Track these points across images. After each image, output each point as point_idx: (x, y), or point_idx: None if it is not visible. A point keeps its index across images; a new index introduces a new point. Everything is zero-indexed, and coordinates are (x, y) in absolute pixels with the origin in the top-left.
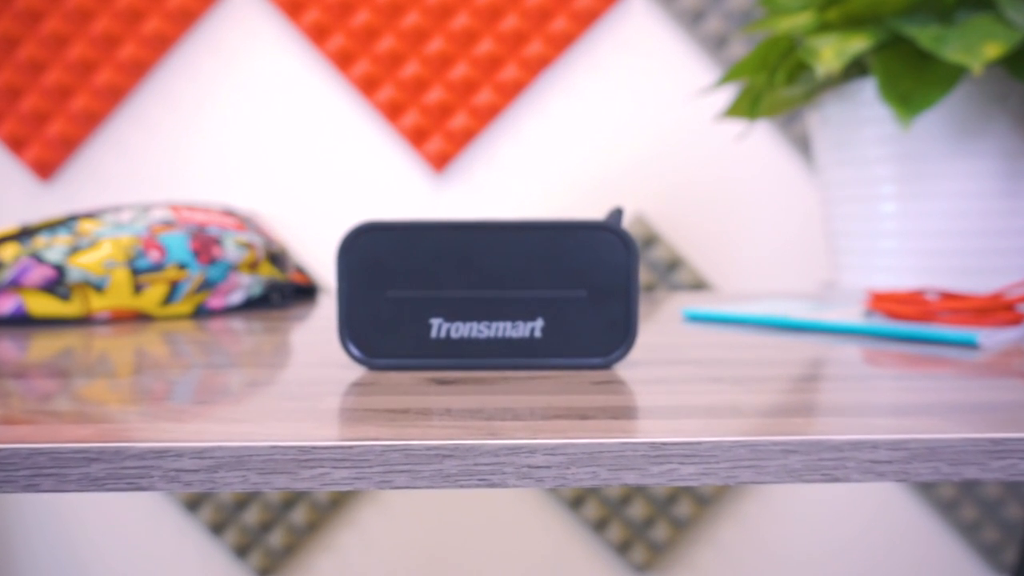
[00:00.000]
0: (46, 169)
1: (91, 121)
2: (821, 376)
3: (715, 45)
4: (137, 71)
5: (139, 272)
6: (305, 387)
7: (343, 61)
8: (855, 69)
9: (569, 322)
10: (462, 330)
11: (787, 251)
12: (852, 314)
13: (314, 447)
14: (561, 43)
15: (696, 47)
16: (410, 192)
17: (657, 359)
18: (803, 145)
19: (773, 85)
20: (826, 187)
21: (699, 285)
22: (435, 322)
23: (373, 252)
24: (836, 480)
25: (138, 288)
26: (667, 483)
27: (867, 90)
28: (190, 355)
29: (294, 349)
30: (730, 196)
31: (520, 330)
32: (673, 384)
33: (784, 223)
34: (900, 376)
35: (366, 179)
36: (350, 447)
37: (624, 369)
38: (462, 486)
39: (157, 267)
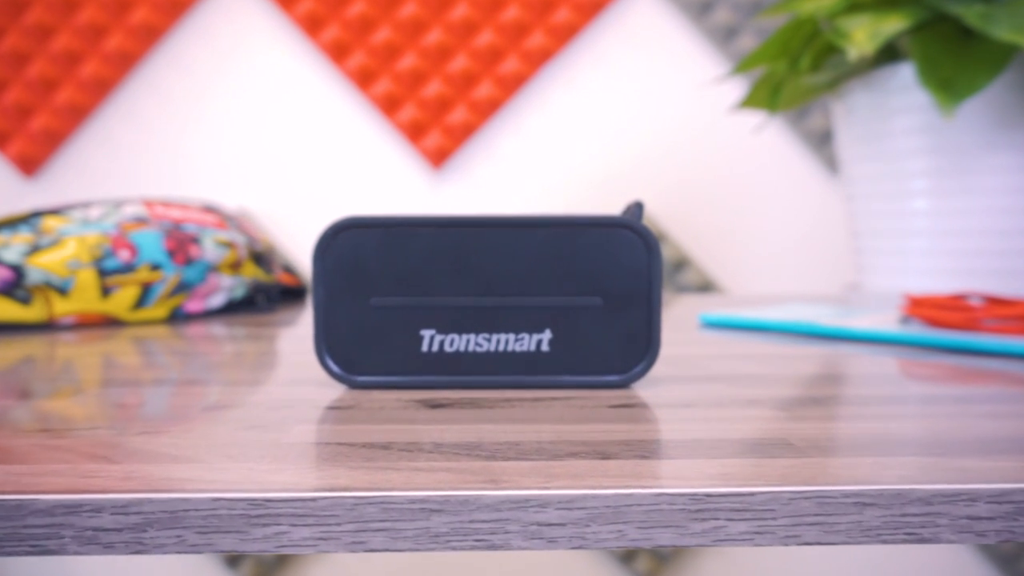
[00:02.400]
0: (30, 165)
1: (77, 115)
2: (875, 398)
3: (724, 37)
4: (125, 63)
5: (107, 273)
6: (273, 411)
7: (338, 53)
8: (884, 54)
9: (581, 334)
10: (457, 343)
11: (799, 251)
12: (886, 321)
13: (269, 499)
14: (564, 35)
15: (704, 39)
16: (407, 189)
17: (680, 375)
18: (817, 140)
19: (797, 72)
20: (851, 183)
21: (706, 286)
22: (426, 334)
23: (354, 253)
24: (924, 541)
25: (106, 291)
26: (711, 543)
27: (898, 77)
28: (152, 368)
29: (271, 361)
30: (739, 193)
31: (525, 343)
32: (705, 408)
33: (796, 222)
34: (968, 398)
35: (361, 175)
36: (314, 500)
37: (644, 388)
38: (454, 548)
39: (127, 268)
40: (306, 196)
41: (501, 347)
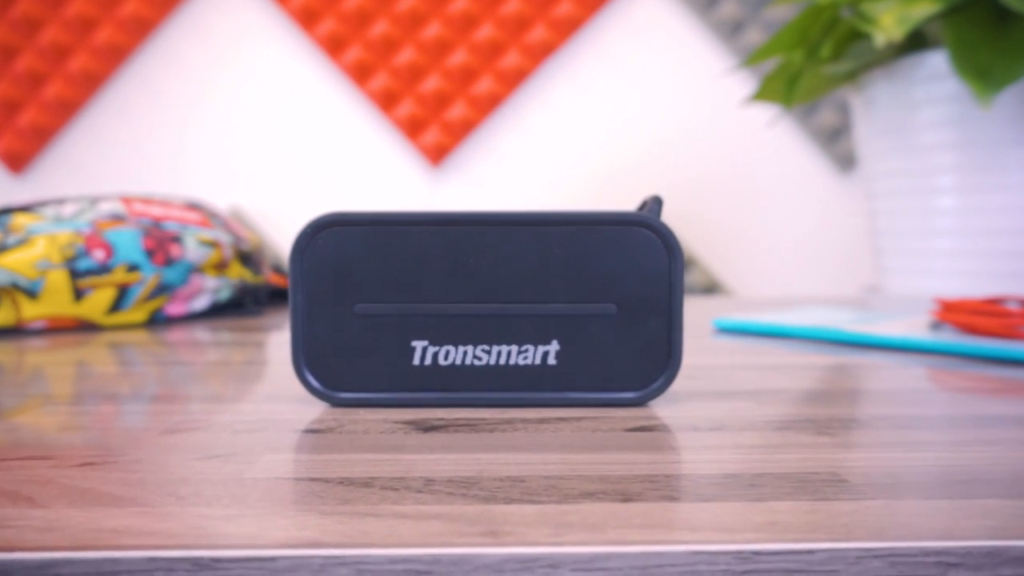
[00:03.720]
0: (18, 161)
1: (66, 110)
2: (925, 419)
3: (730, 31)
4: (115, 57)
5: (80, 274)
6: (242, 435)
7: (333, 47)
8: (908, 42)
9: (593, 345)
10: (453, 356)
11: (808, 252)
12: (915, 327)
13: (217, 559)
14: (566, 29)
15: (710, 33)
16: (404, 187)
17: (700, 390)
18: (826, 138)
19: (818, 61)
20: (871, 179)
21: (712, 287)
22: (418, 345)
23: (337, 253)
24: None
25: (79, 293)
26: None
27: (925, 66)
28: (119, 379)
29: (251, 372)
30: (745, 192)
31: (529, 356)
32: (735, 432)
33: (805, 222)
34: None
35: (357, 173)
36: (272, 559)
37: (664, 406)
38: None
39: (102, 269)
40: (301, 194)
41: (502, 360)
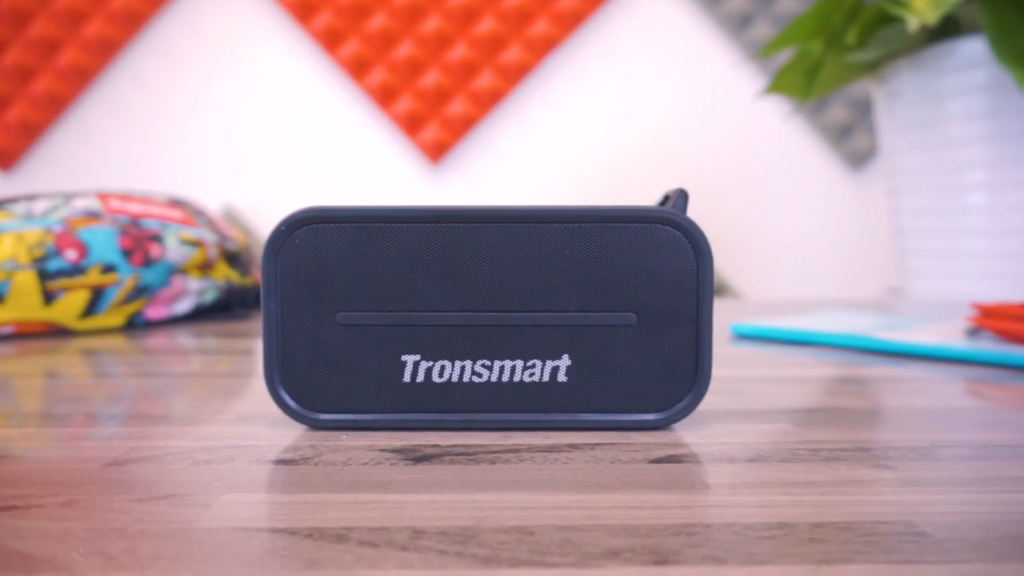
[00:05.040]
0: (6, 158)
1: (56, 105)
2: (995, 448)
3: (738, 24)
4: (106, 51)
5: (50, 276)
6: (201, 466)
7: (330, 40)
8: (935, 30)
9: (609, 360)
10: (449, 372)
11: (817, 253)
12: (950, 333)
13: None
14: (569, 22)
15: (717, 27)
16: (403, 185)
17: (729, 408)
18: (835, 135)
19: (841, 49)
20: (893, 175)
21: (719, 289)
22: (409, 360)
23: (316, 254)
24: None
25: (49, 296)
26: None
27: (955, 54)
28: (78, 393)
29: (229, 385)
30: (752, 191)
31: (537, 372)
32: (779, 465)
33: (814, 221)
34: None
35: (354, 170)
36: None
37: (689, 429)
38: None
39: (75, 270)
40: (295, 192)
41: (505, 377)
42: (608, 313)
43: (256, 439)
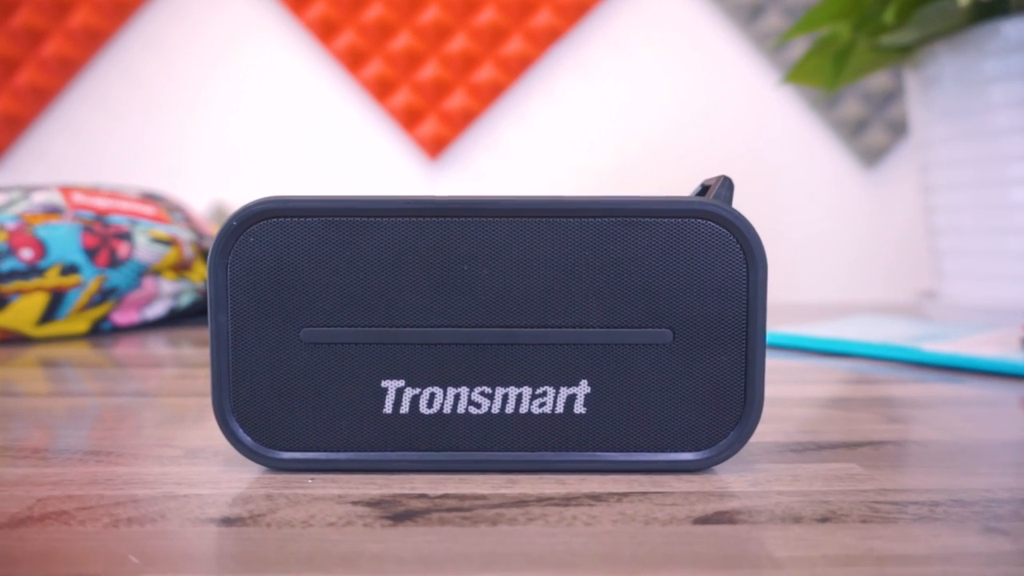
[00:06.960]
0: None
1: (40, 98)
2: None
3: (748, 15)
4: (92, 41)
5: (3, 278)
6: (118, 530)
7: (325, 32)
8: (976, 10)
9: (637, 387)
10: (440, 401)
11: (830, 252)
12: (1005, 344)
13: None
14: (573, 13)
15: (726, 18)
16: (400, 181)
17: (779, 440)
18: (849, 131)
19: (876, 30)
20: (927, 170)
21: None
22: (391, 386)
23: (277, 256)
24: None
25: (2, 301)
26: None
27: (1000, 35)
28: (4, 418)
29: (187, 408)
30: (762, 188)
31: (549, 402)
32: (860, 527)
33: (827, 220)
34: None
35: (349, 166)
36: None
37: (735, 471)
38: None
39: (31, 271)
40: (289, 189)
41: (510, 407)
42: (637, 330)
43: (200, 485)
